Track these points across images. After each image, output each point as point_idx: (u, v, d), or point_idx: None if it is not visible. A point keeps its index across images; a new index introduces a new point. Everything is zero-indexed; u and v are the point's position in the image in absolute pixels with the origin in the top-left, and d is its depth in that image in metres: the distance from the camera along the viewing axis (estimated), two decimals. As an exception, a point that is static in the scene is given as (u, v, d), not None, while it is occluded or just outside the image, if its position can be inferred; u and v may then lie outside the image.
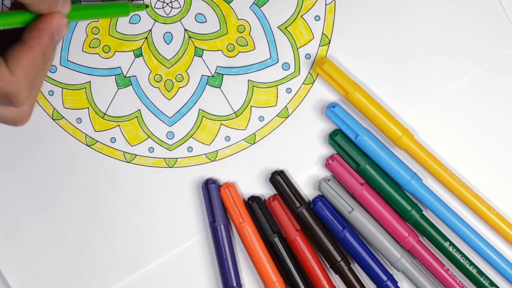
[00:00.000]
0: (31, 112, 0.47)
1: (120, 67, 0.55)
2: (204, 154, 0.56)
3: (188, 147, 0.56)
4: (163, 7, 0.55)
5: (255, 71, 0.55)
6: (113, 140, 0.56)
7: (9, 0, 0.54)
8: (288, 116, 0.55)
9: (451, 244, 0.54)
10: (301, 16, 0.54)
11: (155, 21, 0.55)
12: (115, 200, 0.56)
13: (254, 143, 0.56)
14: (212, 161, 0.56)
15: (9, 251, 0.57)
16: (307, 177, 0.56)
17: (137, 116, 0.56)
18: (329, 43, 0.54)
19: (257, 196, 0.55)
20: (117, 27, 0.55)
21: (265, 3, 0.54)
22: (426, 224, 0.54)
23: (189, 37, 0.55)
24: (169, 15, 0.55)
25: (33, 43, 0.43)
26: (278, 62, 0.55)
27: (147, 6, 0.54)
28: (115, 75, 0.55)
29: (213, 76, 0.55)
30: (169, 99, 0.56)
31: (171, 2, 0.54)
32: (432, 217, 0.55)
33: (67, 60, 0.55)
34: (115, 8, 0.52)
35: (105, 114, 0.56)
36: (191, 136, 0.56)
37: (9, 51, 0.43)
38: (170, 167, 0.56)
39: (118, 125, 0.56)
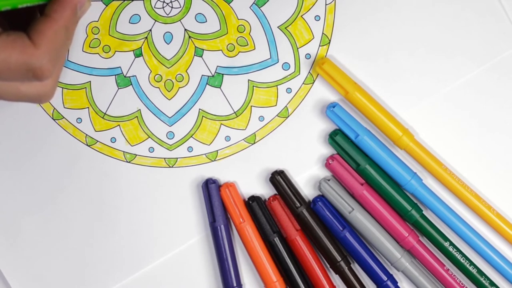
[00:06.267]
0: (55, 88, 0.47)
1: (120, 67, 0.55)
2: (204, 154, 0.56)
3: (188, 147, 0.56)
4: (163, 7, 0.55)
5: (255, 71, 0.55)
6: (113, 140, 0.56)
7: None
8: (288, 116, 0.55)
9: (451, 244, 0.54)
10: (301, 16, 0.54)
11: (155, 21, 0.55)
12: (115, 200, 0.56)
13: (254, 143, 0.56)
14: (212, 161, 0.56)
15: (9, 251, 0.57)
16: (307, 177, 0.55)
17: (137, 116, 0.56)
18: (329, 43, 0.54)
19: (257, 196, 0.55)
20: (117, 27, 0.55)
21: (265, 3, 0.54)
22: (426, 224, 0.54)
23: (189, 37, 0.55)
24: (169, 15, 0.55)
25: (56, 16, 0.43)
26: (278, 62, 0.55)
27: None
28: (115, 75, 0.55)
29: (213, 76, 0.55)
30: (169, 99, 0.55)
31: (171, 2, 0.54)
32: (432, 217, 0.55)
33: (67, 60, 0.55)
34: None
35: (105, 114, 0.56)
36: (191, 136, 0.56)
37: (32, 26, 0.43)
38: (170, 167, 0.56)
39: (118, 125, 0.56)
